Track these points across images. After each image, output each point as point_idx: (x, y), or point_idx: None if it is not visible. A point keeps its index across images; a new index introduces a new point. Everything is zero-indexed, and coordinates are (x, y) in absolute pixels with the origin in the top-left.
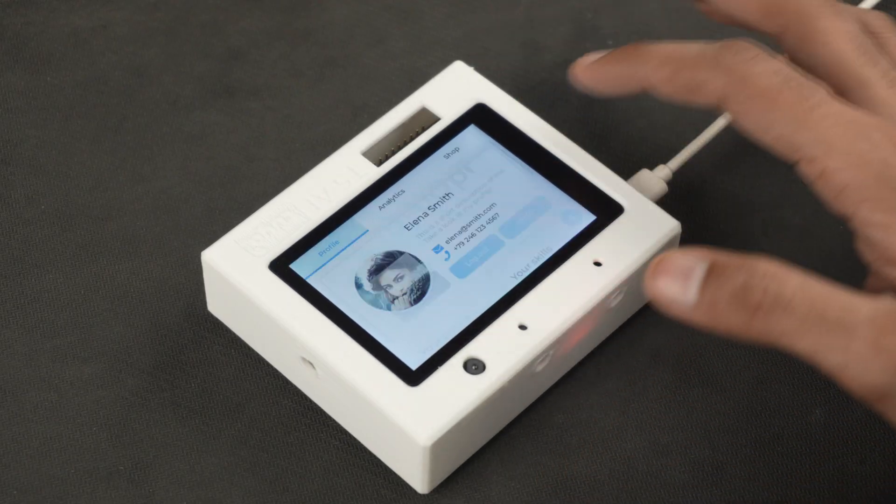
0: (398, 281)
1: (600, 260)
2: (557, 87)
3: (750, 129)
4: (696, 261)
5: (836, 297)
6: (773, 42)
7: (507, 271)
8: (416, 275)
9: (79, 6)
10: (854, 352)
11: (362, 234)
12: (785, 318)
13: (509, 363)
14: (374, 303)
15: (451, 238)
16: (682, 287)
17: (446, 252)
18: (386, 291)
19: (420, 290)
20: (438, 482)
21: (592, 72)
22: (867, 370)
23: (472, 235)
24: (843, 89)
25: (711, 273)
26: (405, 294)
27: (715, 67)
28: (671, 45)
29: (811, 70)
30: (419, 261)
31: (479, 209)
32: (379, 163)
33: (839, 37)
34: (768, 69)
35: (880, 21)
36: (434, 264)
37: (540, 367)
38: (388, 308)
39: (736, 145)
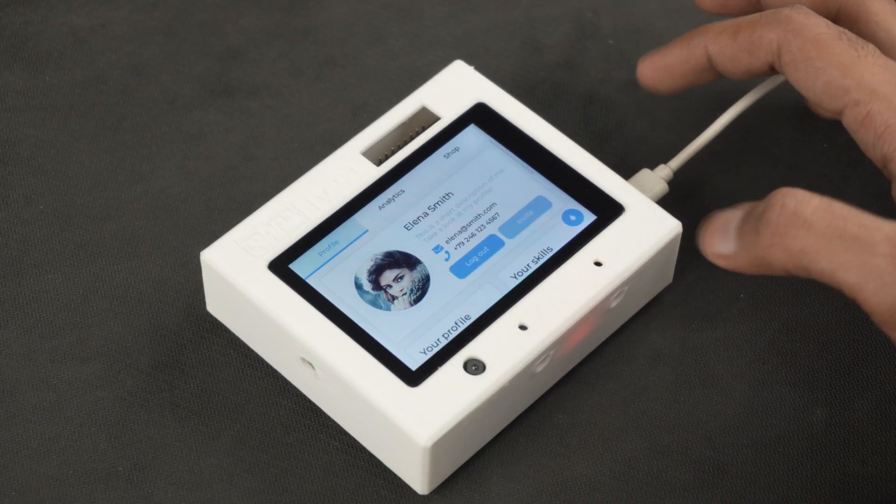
0: (398, 281)
1: (601, 260)
2: (558, 86)
3: (802, 78)
4: (733, 212)
5: (857, 215)
6: None
7: (507, 271)
8: (416, 275)
9: (77, 5)
10: (873, 268)
11: (362, 234)
12: (804, 234)
13: (509, 363)
14: (374, 303)
15: (451, 238)
16: (723, 238)
17: (446, 252)
18: (386, 291)
19: (420, 290)
20: (438, 483)
21: (655, 64)
22: (886, 287)
23: (472, 235)
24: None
25: (744, 217)
26: (405, 294)
27: (773, 20)
28: (726, 21)
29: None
30: (419, 261)
31: (479, 209)
32: (379, 162)
33: (889, 16)
34: (822, 21)
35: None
36: (434, 264)
37: (540, 368)
38: (388, 308)
39: (736, 145)
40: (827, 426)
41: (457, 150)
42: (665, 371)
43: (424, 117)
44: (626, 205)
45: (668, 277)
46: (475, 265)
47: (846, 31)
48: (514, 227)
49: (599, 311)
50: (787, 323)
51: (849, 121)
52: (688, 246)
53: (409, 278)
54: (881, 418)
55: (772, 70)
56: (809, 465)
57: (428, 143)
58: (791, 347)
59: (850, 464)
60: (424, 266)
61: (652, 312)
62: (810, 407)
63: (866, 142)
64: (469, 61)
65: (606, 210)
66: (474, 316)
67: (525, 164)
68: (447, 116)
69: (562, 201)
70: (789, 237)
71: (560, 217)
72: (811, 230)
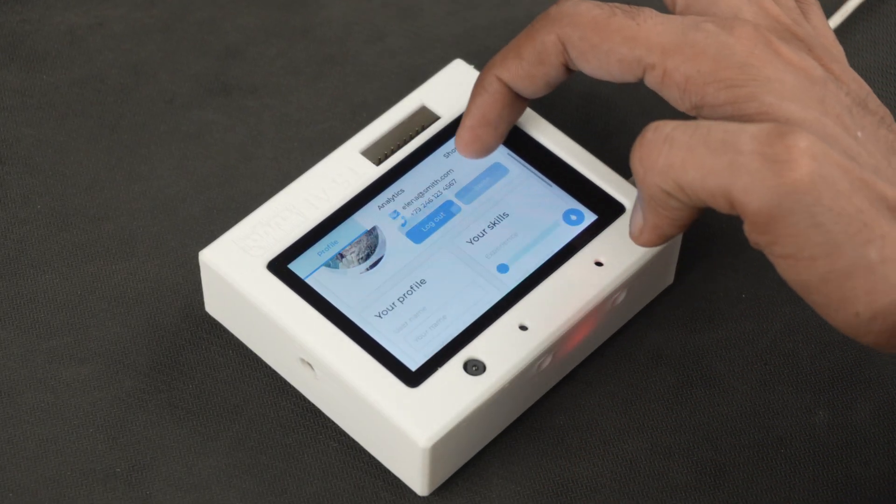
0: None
1: (601, 260)
2: (558, 85)
3: (595, 67)
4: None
5: (720, 123)
6: None
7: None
8: (372, 240)
9: (75, 4)
10: (740, 165)
11: (361, 234)
12: (667, 150)
13: (510, 364)
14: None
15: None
16: (636, 215)
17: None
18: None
19: (369, 251)
20: (438, 484)
21: (471, 128)
22: (756, 184)
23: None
24: None
25: None
26: (356, 255)
27: (546, 23)
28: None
29: None
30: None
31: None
32: (378, 162)
33: None
34: (593, 4)
35: None
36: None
37: (541, 368)
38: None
39: None
40: (829, 427)
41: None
42: (666, 372)
43: (424, 116)
44: (627, 204)
45: (669, 277)
46: (431, 231)
47: (617, 4)
48: (514, 226)
49: (600, 311)
50: (788, 323)
51: (651, 83)
52: (689, 246)
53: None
54: (883, 420)
55: (569, 71)
56: (811, 466)
57: (428, 143)
58: (793, 348)
59: (852, 465)
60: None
61: (653, 313)
62: (812, 408)
63: (673, 97)
64: (469, 60)
65: (607, 210)
66: (474, 316)
67: (526, 164)
68: (447, 115)
69: (562, 201)
70: (654, 157)
71: (561, 216)
72: (674, 144)
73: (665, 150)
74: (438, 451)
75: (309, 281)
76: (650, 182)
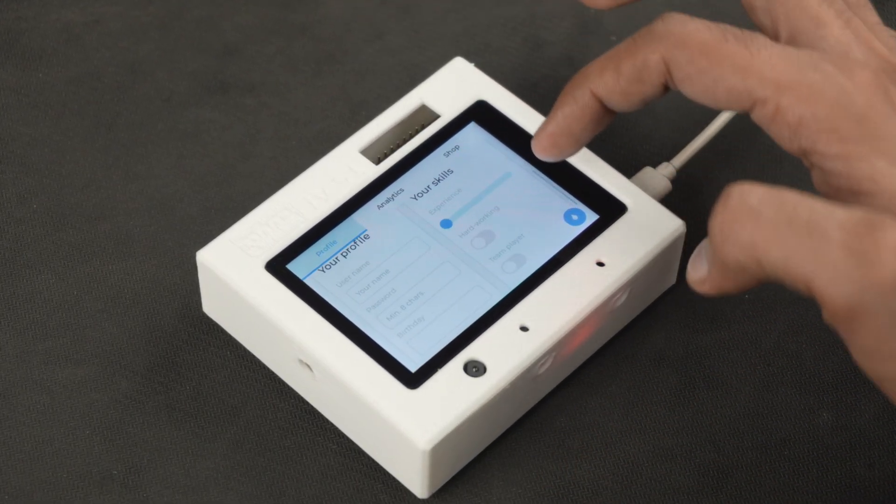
0: None
1: (603, 260)
2: (559, 83)
3: (700, 91)
4: (705, 241)
5: (808, 202)
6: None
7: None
8: None
9: (71, 1)
10: (825, 256)
11: (361, 234)
12: (752, 225)
13: (510, 365)
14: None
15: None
16: (698, 262)
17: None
18: None
19: None
20: (438, 487)
21: (551, 135)
22: (838, 278)
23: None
24: (798, 30)
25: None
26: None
27: (651, 40)
28: (603, 55)
29: (769, 11)
30: None
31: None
32: (378, 161)
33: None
34: (703, 25)
35: None
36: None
37: (542, 370)
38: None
39: (741, 142)
40: (833, 429)
41: (457, 148)
42: (668, 373)
43: (424, 115)
44: (628, 204)
45: (672, 278)
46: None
47: (729, 27)
48: (515, 226)
49: (602, 312)
50: (792, 324)
51: (759, 119)
52: (691, 246)
53: None
54: (888, 421)
55: (667, 90)
56: (815, 468)
57: (427, 142)
58: (796, 349)
59: (856, 467)
60: None
61: (655, 313)
62: (816, 410)
63: (782, 136)
64: (469, 58)
65: (609, 209)
66: (475, 317)
67: (526, 163)
68: (447, 114)
69: (563, 200)
70: (737, 230)
71: (562, 216)
72: (759, 219)
73: (749, 224)
74: (438, 453)
75: (308, 281)
76: (729, 252)
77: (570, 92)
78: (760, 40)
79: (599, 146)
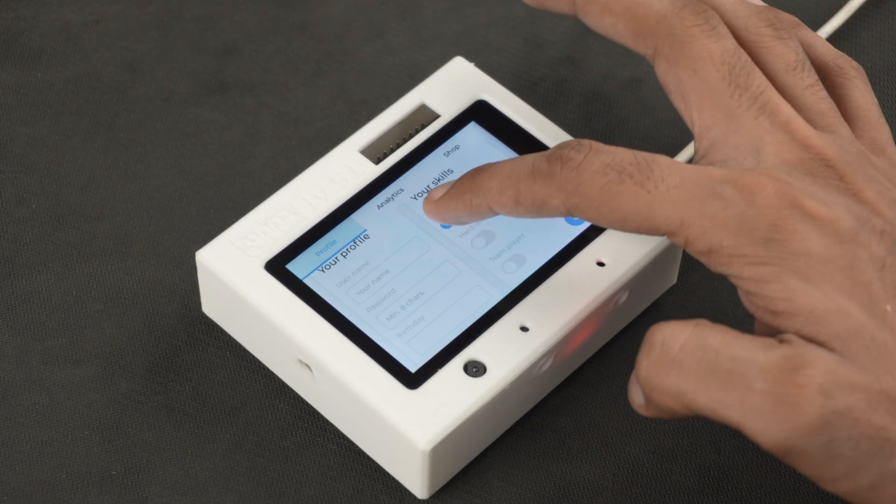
0: None
1: (603, 260)
2: (560, 83)
3: (609, 225)
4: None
5: (730, 345)
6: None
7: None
8: None
9: (70, 0)
10: (752, 406)
11: (360, 234)
12: (675, 375)
13: (511, 365)
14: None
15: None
16: (636, 388)
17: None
18: None
19: None
20: (438, 487)
21: (440, 210)
22: (767, 426)
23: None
24: (712, 122)
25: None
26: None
27: (550, 184)
28: (505, 165)
29: (682, 96)
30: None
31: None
32: (377, 161)
33: (706, 65)
34: (598, 169)
35: (761, 21)
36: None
37: (542, 370)
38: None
39: None
40: None
41: (457, 148)
42: None
43: (424, 115)
44: None
45: (672, 278)
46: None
47: (626, 159)
48: (515, 226)
49: (602, 312)
50: None
51: (675, 242)
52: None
53: None
54: None
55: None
56: None
57: (427, 141)
58: None
59: None
60: None
61: (655, 314)
62: None
63: (701, 260)
64: (469, 57)
65: None
66: (475, 317)
67: None
68: (447, 114)
69: None
70: (661, 378)
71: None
72: (682, 369)
73: (674, 374)
74: (438, 453)
75: (307, 281)
76: (659, 399)
77: (467, 192)
78: (657, 173)
79: None
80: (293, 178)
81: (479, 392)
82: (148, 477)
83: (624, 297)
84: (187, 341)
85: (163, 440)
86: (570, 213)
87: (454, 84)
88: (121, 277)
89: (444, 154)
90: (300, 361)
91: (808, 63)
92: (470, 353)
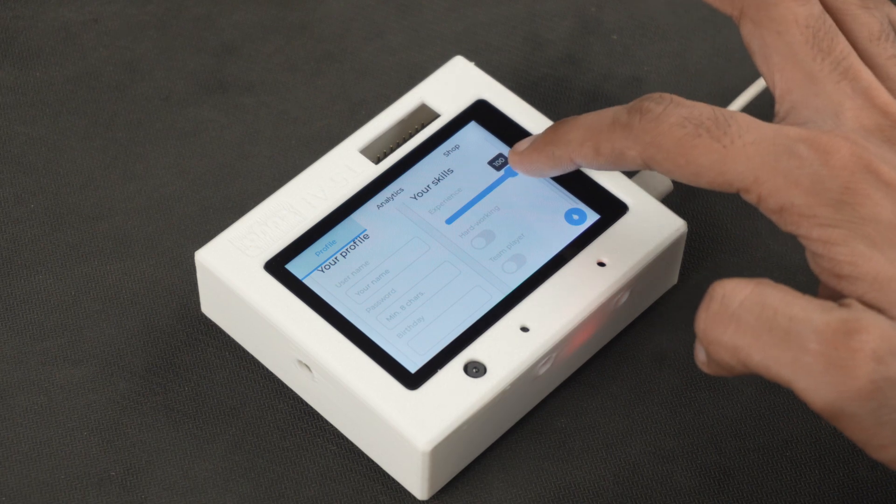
0: None
1: (604, 260)
2: (560, 82)
3: (683, 180)
4: None
5: (788, 304)
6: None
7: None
8: None
9: None
10: (804, 365)
11: (360, 234)
12: (733, 330)
13: (511, 366)
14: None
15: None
16: (699, 349)
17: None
18: None
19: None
20: (438, 488)
21: (524, 161)
22: (818, 387)
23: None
24: (793, 84)
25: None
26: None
27: (628, 135)
28: (587, 118)
29: (766, 58)
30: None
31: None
32: (377, 160)
33: (791, 27)
34: (676, 121)
35: None
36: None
37: (542, 370)
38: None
39: None
40: (835, 430)
41: (457, 147)
42: (670, 374)
43: (424, 114)
44: (629, 204)
45: (673, 278)
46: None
47: (704, 114)
48: (515, 226)
49: (603, 312)
50: None
51: (748, 201)
52: (693, 246)
53: None
54: None
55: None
56: (817, 470)
57: (427, 141)
58: None
59: (858, 469)
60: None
61: (656, 314)
62: None
63: (771, 219)
64: (469, 57)
65: (610, 209)
66: (475, 317)
67: None
68: (447, 113)
69: (564, 200)
70: (719, 333)
71: (562, 216)
72: (740, 324)
73: (731, 329)
74: (438, 454)
75: (307, 281)
76: (715, 352)
77: (549, 144)
78: (735, 125)
79: None
80: (293, 178)
81: (479, 393)
82: (147, 478)
83: (625, 297)
84: (186, 342)
85: (162, 441)
86: (647, 165)
87: (454, 83)
88: (119, 277)
89: (444, 154)
90: (300, 362)
91: (892, 34)
92: (470, 353)
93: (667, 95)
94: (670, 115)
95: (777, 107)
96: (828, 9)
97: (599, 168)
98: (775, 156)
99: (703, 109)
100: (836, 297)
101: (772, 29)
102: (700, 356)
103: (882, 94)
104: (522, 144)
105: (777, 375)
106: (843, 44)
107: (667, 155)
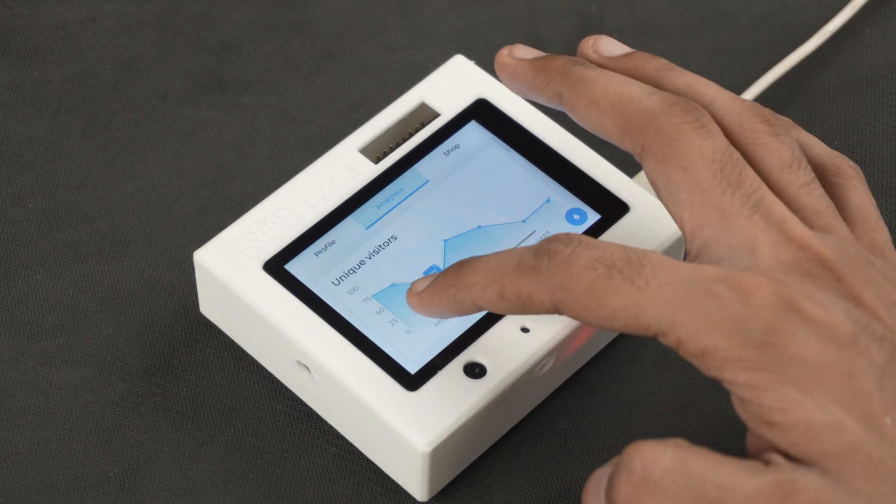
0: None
1: None
2: None
3: (597, 323)
4: (604, 470)
5: (714, 473)
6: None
7: None
8: None
9: None
10: None
11: (360, 234)
12: (659, 501)
13: (511, 367)
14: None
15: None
16: (597, 502)
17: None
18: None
19: None
20: (438, 490)
21: (423, 304)
22: None
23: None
24: (704, 221)
25: (607, 485)
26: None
27: (535, 279)
28: (490, 259)
29: (672, 195)
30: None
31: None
32: (377, 160)
33: (697, 162)
34: (587, 263)
35: (755, 117)
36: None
37: (542, 371)
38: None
39: None
40: None
41: (457, 147)
42: (671, 374)
43: (424, 113)
44: (631, 204)
45: None
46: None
47: (615, 256)
48: (515, 226)
49: None
50: None
51: (667, 345)
52: None
53: None
54: None
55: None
56: None
57: (427, 140)
58: None
59: None
60: None
61: None
62: None
63: (693, 363)
64: (470, 56)
65: (611, 209)
66: (475, 318)
67: (527, 162)
68: (447, 112)
69: (565, 200)
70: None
71: (563, 216)
72: (665, 496)
73: (656, 501)
74: (438, 455)
75: (306, 282)
76: None
77: (450, 287)
78: (648, 269)
79: (601, 145)
80: (292, 178)
81: (479, 394)
82: (145, 479)
83: None
84: (185, 342)
85: (160, 442)
86: (556, 310)
87: (454, 82)
88: (118, 277)
89: (444, 153)
90: (299, 363)
91: (804, 161)
92: (470, 354)
93: (575, 236)
94: (580, 257)
95: (688, 245)
96: (734, 140)
97: (506, 312)
98: (693, 297)
99: (614, 250)
100: (765, 446)
101: (676, 165)
102: None
103: (797, 226)
104: (420, 284)
105: None
106: (751, 176)
107: (577, 299)
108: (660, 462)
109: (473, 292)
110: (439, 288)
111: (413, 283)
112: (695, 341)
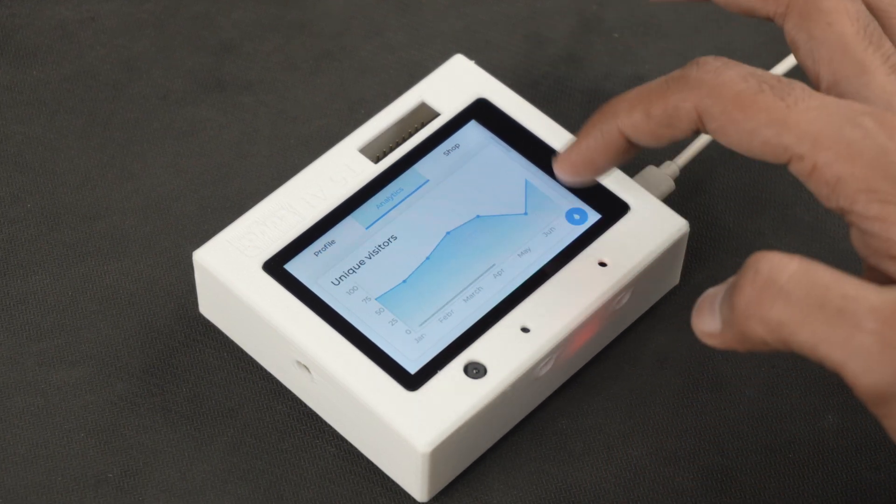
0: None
1: (605, 260)
2: (561, 81)
3: (734, 142)
4: (720, 287)
5: (840, 283)
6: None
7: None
8: None
9: None
10: (857, 346)
11: (359, 234)
12: (781, 305)
13: (511, 367)
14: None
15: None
16: (710, 315)
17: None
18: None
19: None
20: (438, 490)
21: (573, 160)
22: (870, 368)
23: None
24: (841, 75)
25: (726, 290)
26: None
27: (683, 87)
28: (634, 89)
29: (812, 51)
30: None
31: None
32: (377, 160)
33: (842, 17)
34: (738, 75)
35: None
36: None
37: (543, 371)
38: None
39: None
40: (837, 432)
41: (457, 146)
42: (672, 375)
43: (424, 113)
44: (631, 203)
45: (675, 278)
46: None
47: (766, 75)
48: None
49: (604, 312)
50: None
51: (797, 173)
52: (695, 246)
53: None
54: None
55: (699, 133)
56: (820, 471)
57: (427, 140)
58: None
59: (861, 470)
60: None
61: (658, 314)
62: (821, 412)
63: (820, 193)
64: (470, 55)
65: (611, 209)
66: (475, 318)
67: (527, 162)
68: (447, 112)
69: (565, 199)
70: (765, 308)
71: (563, 216)
72: (788, 300)
73: (779, 304)
74: (438, 456)
75: (305, 282)
76: (753, 328)
77: (596, 124)
78: (798, 91)
79: None
80: (291, 178)
81: (479, 394)
82: (144, 479)
83: (626, 297)
84: (184, 342)
85: (159, 442)
86: (699, 122)
87: (454, 82)
88: (117, 278)
89: (444, 153)
90: (298, 363)
91: None
92: (470, 354)
93: (720, 58)
94: (731, 68)
95: (822, 89)
96: (872, 12)
97: (652, 135)
98: (839, 122)
99: (764, 71)
100: (884, 281)
101: (821, 20)
102: (709, 326)
103: None
104: (564, 148)
105: (825, 355)
106: (889, 42)
107: (724, 108)
108: (787, 267)
109: (619, 118)
110: (585, 132)
111: (556, 157)
112: (832, 167)
